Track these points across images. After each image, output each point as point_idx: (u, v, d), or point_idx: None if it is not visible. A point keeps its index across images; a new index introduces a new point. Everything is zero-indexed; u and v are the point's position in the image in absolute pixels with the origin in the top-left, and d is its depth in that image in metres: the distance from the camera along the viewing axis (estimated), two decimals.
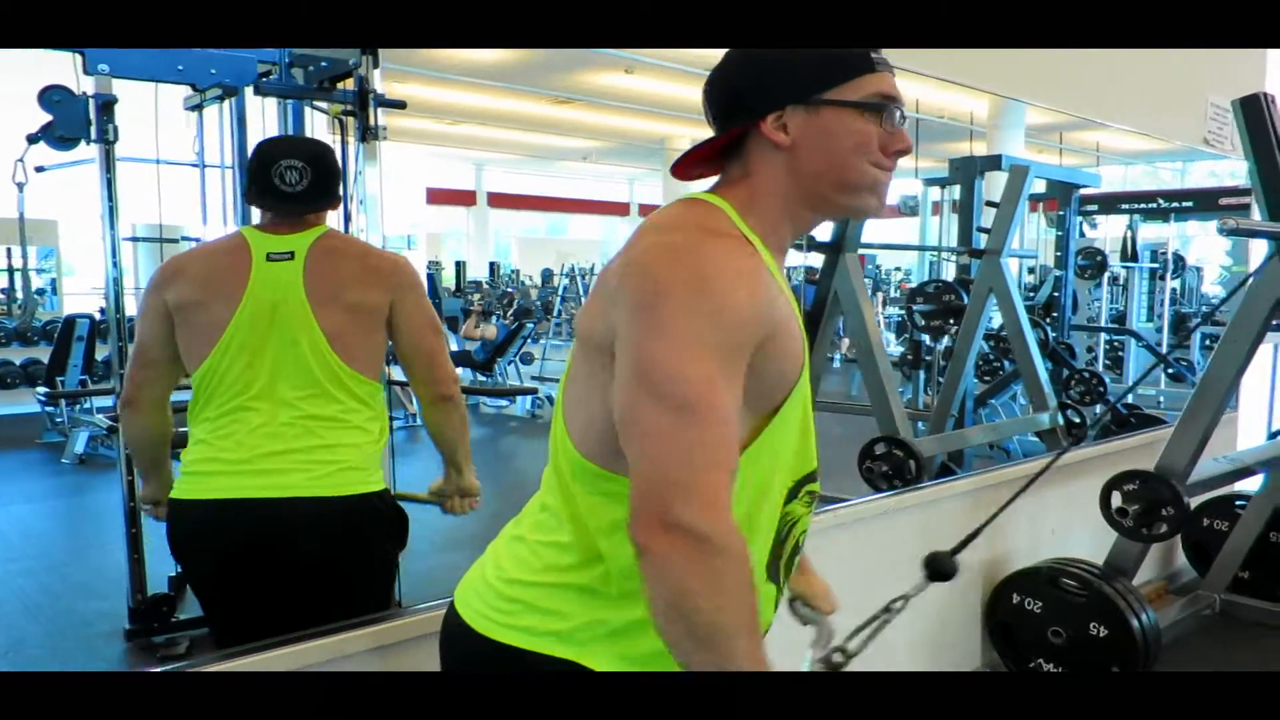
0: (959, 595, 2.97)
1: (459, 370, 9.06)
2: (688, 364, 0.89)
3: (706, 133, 1.10)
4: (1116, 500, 2.78)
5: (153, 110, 3.23)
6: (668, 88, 11.09)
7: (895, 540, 2.69)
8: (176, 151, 3.58)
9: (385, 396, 2.07)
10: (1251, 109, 2.68)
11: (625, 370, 0.92)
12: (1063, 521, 3.35)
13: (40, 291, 10.37)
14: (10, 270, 7.59)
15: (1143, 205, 7.81)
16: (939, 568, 1.28)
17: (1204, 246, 12.93)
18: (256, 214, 1.95)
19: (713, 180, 1.11)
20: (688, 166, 1.10)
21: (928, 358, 5.45)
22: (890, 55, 1.08)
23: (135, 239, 5.43)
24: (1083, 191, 5.93)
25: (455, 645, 1.13)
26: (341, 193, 1.97)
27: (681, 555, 0.86)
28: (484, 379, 8.44)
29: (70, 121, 2.97)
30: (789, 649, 1.25)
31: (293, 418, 1.78)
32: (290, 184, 1.82)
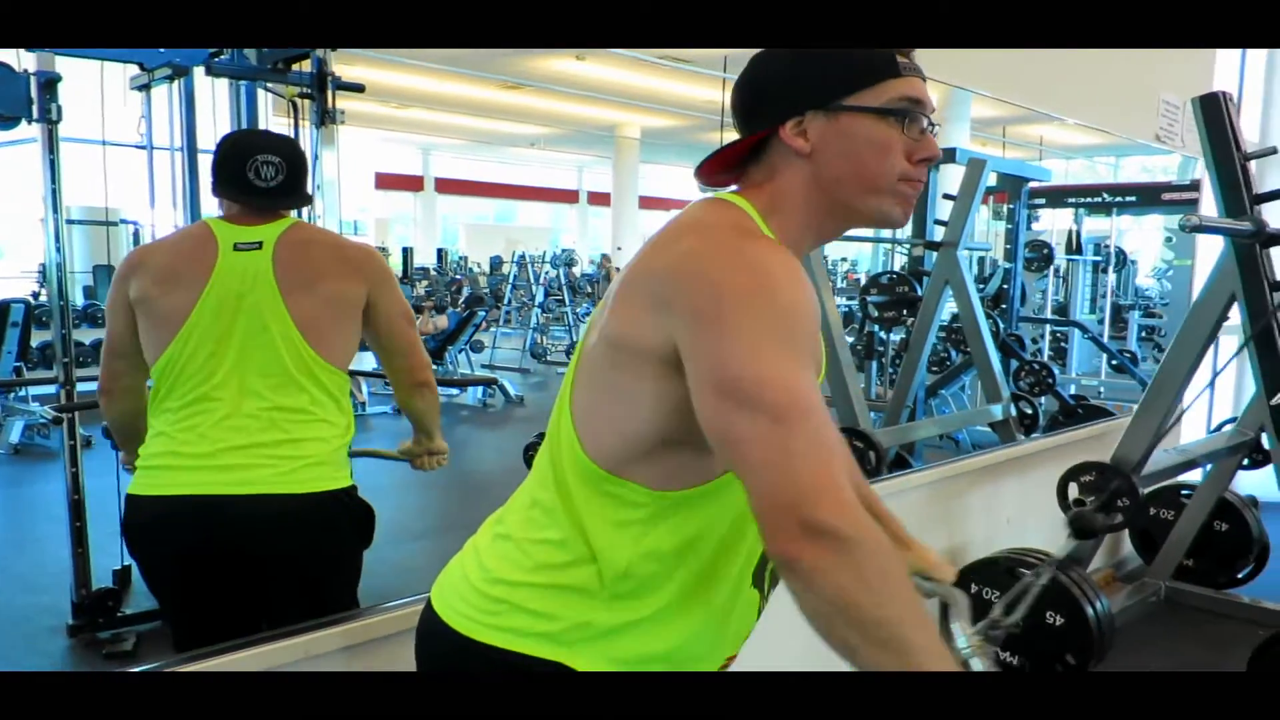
0: (919, 586, 2.99)
1: None
2: (771, 368, 0.86)
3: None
4: (1074, 491, 2.82)
5: (103, 89, 3.13)
6: (619, 75, 11.05)
7: None
8: (120, 133, 3.46)
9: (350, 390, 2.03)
10: (1210, 107, 2.72)
11: (705, 384, 0.89)
12: (1018, 511, 3.40)
13: None
14: None
15: (1088, 199, 7.95)
16: (1085, 525, 1.24)
17: (1137, 240, 13.26)
18: (213, 201, 1.90)
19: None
20: (711, 171, 1.08)
21: (880, 349, 5.49)
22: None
23: (71, 221, 5.27)
24: (1031, 185, 6.03)
25: (434, 645, 1.10)
26: (311, 188, 1.94)
27: (831, 559, 0.82)
28: (435, 368, 8.34)
29: (11, 100, 2.86)
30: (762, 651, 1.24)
31: (259, 408, 1.73)
32: (266, 179, 1.78)
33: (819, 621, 0.85)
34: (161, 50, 2.95)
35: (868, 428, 3.31)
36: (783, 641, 1.32)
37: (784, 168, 1.03)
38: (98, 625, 3.13)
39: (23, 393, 6.08)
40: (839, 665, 0.92)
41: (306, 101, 2.97)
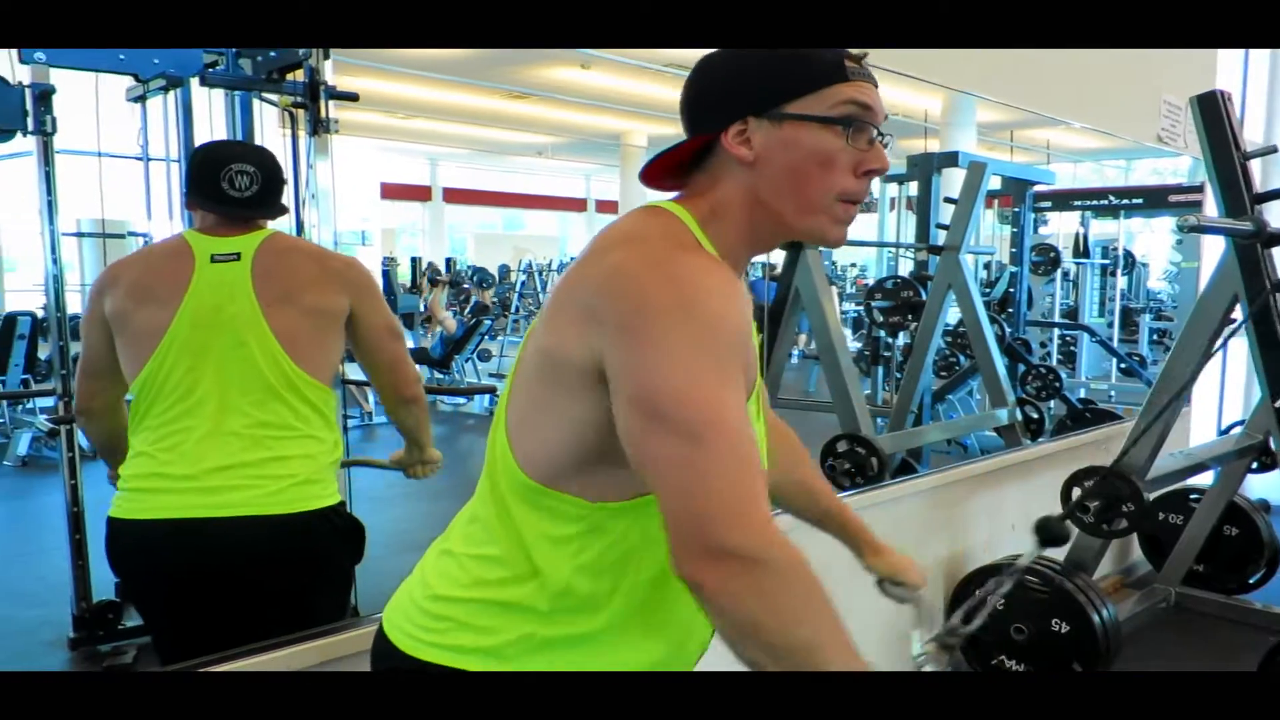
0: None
1: (418, 367, 8.95)
2: (691, 384, 0.83)
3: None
4: (1077, 496, 2.79)
5: (94, 101, 3.13)
6: (624, 83, 11.05)
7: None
8: (119, 144, 3.46)
9: (339, 404, 2.01)
10: (1208, 106, 2.69)
11: (625, 400, 0.86)
12: (1023, 517, 3.35)
13: None
14: None
15: (1094, 202, 7.91)
16: (1051, 532, 1.23)
17: (1148, 242, 13.18)
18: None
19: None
20: (656, 174, 1.03)
21: (886, 354, 5.46)
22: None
23: (80, 234, 5.29)
24: (1036, 188, 5.99)
25: (382, 665, 1.08)
26: (285, 199, 1.91)
27: (736, 583, 0.81)
28: (441, 376, 8.34)
29: (6, 112, 2.86)
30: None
31: (241, 425, 1.69)
32: (240, 189, 1.75)
33: (727, 642, 0.85)
34: (155, 61, 2.94)
35: (869, 434, 3.28)
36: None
37: (725, 176, 0.98)
38: (98, 638, 3.12)
39: (29, 405, 6.10)
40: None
41: (302, 111, 2.96)
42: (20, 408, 6.14)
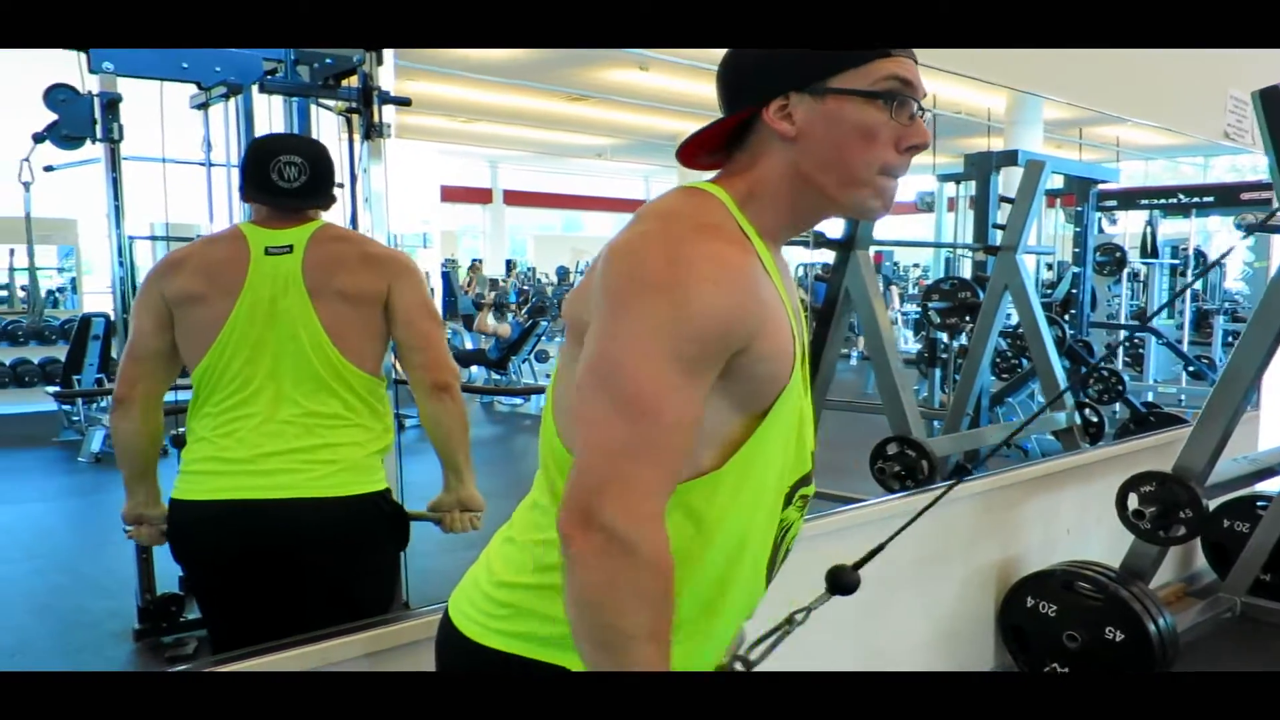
0: (972, 597, 2.92)
1: (474, 369, 9.04)
2: (642, 362, 0.86)
3: None
4: (1133, 502, 2.73)
5: (163, 109, 3.24)
6: (682, 84, 11.06)
7: (908, 541, 2.64)
8: (186, 150, 3.57)
9: (391, 394, 2.03)
10: (1272, 100, 2.61)
11: (585, 356, 0.90)
12: (1079, 522, 3.29)
13: (60, 290, 10.45)
14: (31, 269, 7.62)
15: (1162, 201, 7.69)
16: (840, 581, 1.24)
17: (1227, 242, 12.76)
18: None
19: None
20: (694, 152, 1.04)
21: (944, 355, 5.39)
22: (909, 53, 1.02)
23: (153, 238, 5.46)
24: (1101, 187, 5.86)
25: (448, 652, 1.10)
26: (336, 191, 1.96)
27: (596, 554, 0.85)
28: (498, 377, 8.43)
29: (75, 120, 2.97)
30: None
31: (294, 414, 1.76)
32: (289, 180, 1.80)
33: (567, 603, 0.89)
34: (217, 69, 3.04)
35: (920, 436, 3.24)
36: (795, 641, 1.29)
37: (766, 153, 0.99)
38: (161, 630, 3.22)
39: (103, 403, 6.31)
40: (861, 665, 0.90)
41: (356, 116, 3.02)
42: (94, 406, 6.36)
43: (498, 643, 1.01)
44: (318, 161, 1.84)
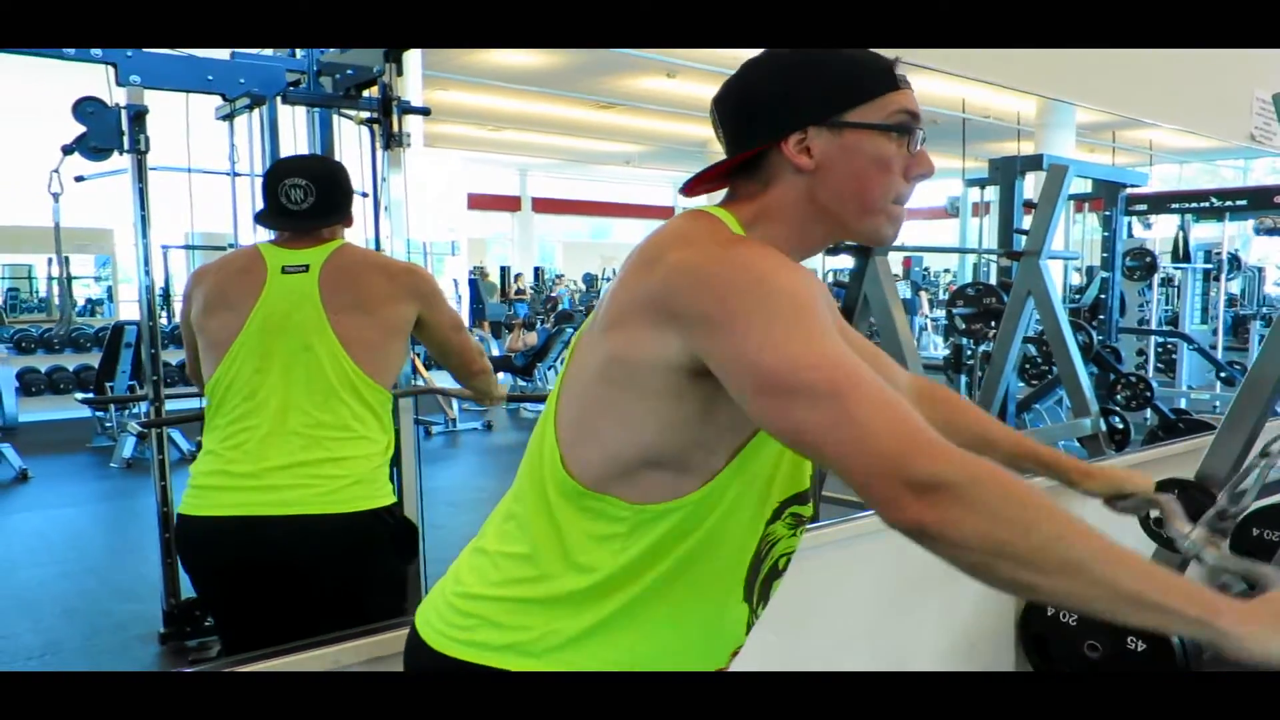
0: (991, 606, 2.89)
1: (500, 376, 9.12)
2: (802, 350, 0.84)
3: None
4: (1155, 510, 2.68)
5: (193, 120, 3.29)
6: (709, 91, 11.06)
7: (921, 550, 2.63)
8: (214, 161, 3.63)
9: (393, 409, 2.07)
10: None
11: (747, 390, 0.86)
12: (1102, 530, 3.25)
13: (98, 301, 10.64)
14: (63, 278, 7.78)
15: (1194, 204, 7.58)
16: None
17: (1266, 246, 12.55)
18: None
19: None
20: (696, 186, 1.07)
21: (970, 361, 5.35)
22: (930, 56, 1.03)
23: (188, 247, 5.53)
24: (1130, 191, 5.79)
25: (413, 663, 1.11)
26: (361, 199, 2.00)
27: (954, 510, 0.78)
28: (524, 384, 8.47)
29: (103, 132, 3.02)
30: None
31: (302, 425, 1.78)
32: (295, 202, 1.84)
33: (979, 574, 0.81)
34: (241, 81, 3.07)
35: None
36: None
37: (779, 182, 1.00)
38: (185, 634, 3.26)
39: (135, 409, 6.40)
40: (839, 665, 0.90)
41: (377, 125, 3.05)
42: (126, 412, 6.46)
43: (457, 651, 1.03)
44: (325, 181, 1.87)
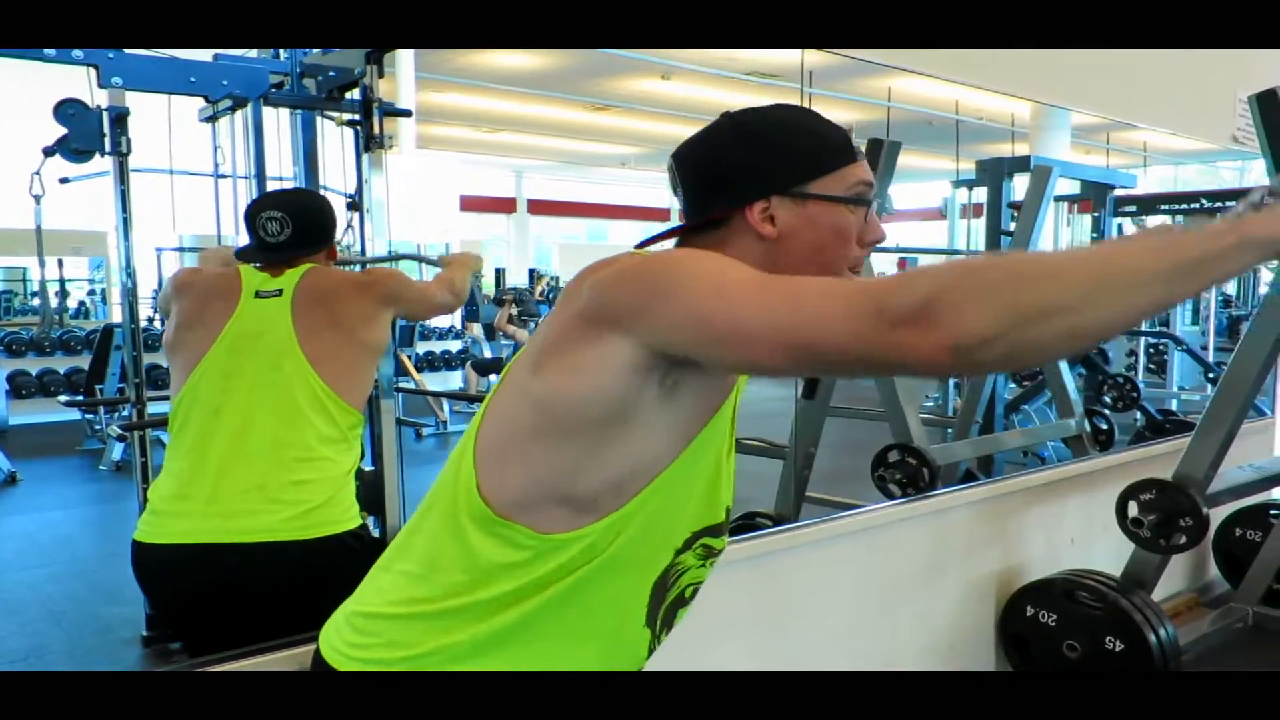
0: (972, 606, 2.89)
1: (493, 378, 9.11)
2: (732, 267, 0.87)
3: None
4: (1133, 510, 2.70)
5: (177, 121, 3.29)
6: (705, 92, 11.08)
7: (906, 548, 2.64)
8: (199, 163, 3.62)
9: (374, 411, 2.07)
10: (1268, 104, 2.58)
11: (710, 335, 0.85)
12: (1083, 531, 3.26)
13: (91, 298, 10.63)
14: (43, 281, 7.79)
15: (1184, 206, 7.59)
16: None
17: None
18: None
19: None
20: (653, 245, 1.08)
21: None
22: (919, 59, 1.04)
23: (181, 249, 5.52)
24: (1120, 192, 5.80)
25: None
26: (334, 237, 2.05)
27: (954, 313, 0.73)
28: None
29: (84, 134, 3.02)
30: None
31: (264, 444, 1.75)
32: (272, 234, 1.87)
33: (1031, 350, 0.75)
34: (224, 83, 3.08)
35: (921, 444, 3.23)
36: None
37: (736, 243, 1.01)
38: (168, 637, 3.25)
39: (125, 412, 6.39)
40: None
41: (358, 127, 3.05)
42: (117, 414, 6.45)
43: (350, 668, 1.03)
44: (300, 214, 1.90)
